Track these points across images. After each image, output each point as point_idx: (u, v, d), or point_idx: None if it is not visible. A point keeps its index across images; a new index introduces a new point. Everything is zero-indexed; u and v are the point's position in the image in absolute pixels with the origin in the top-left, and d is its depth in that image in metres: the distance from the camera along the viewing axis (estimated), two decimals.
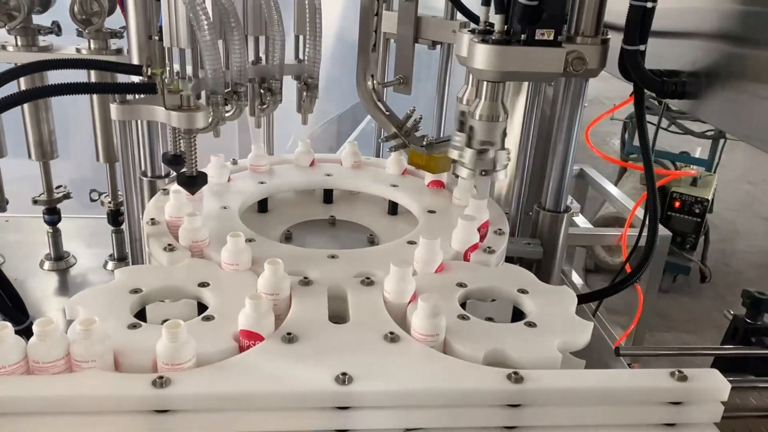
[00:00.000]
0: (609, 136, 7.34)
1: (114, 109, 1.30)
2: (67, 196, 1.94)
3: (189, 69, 1.46)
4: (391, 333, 1.09)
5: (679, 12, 1.49)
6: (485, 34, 1.39)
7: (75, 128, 2.74)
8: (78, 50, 1.69)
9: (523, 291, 1.26)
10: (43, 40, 1.73)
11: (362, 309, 1.18)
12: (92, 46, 1.68)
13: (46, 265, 1.96)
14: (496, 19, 1.33)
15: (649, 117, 5.39)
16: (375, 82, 1.81)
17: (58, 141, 1.94)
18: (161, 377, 0.95)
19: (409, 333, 1.10)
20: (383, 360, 1.04)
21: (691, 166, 5.02)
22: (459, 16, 1.82)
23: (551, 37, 1.33)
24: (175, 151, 1.40)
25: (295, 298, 1.19)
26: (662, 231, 3.07)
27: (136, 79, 1.43)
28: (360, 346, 1.07)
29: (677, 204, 4.54)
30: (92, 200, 1.96)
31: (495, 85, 1.38)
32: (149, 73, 1.30)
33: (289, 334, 1.07)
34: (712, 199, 4.72)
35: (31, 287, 1.90)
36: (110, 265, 1.96)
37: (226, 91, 1.47)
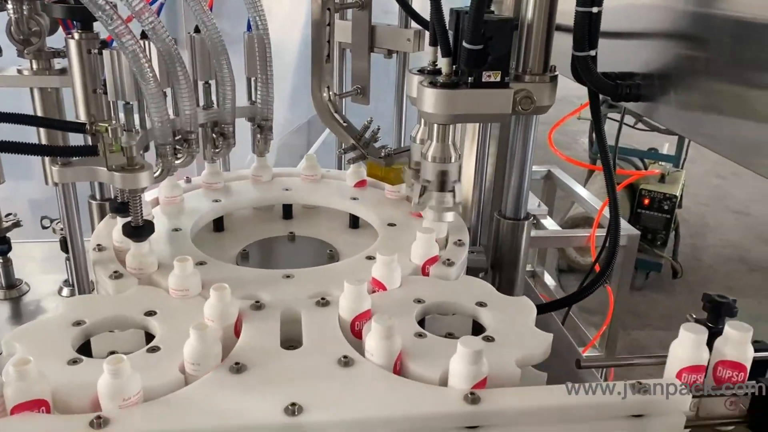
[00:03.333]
0: (578, 135, 7.39)
1: (56, 172, 1.26)
2: (17, 224, 1.87)
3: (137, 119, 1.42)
4: (345, 357, 1.05)
5: (628, 11, 1.48)
6: (434, 75, 1.37)
7: None
8: (20, 71, 1.63)
9: (481, 304, 1.23)
10: None
11: (316, 332, 1.14)
12: (35, 66, 1.62)
13: None
14: (443, 62, 1.31)
15: (614, 115, 5.45)
16: (331, 93, 1.78)
17: (20, 158, 1.86)
18: (99, 417, 0.90)
19: (364, 354, 1.07)
20: (336, 387, 1.00)
21: (659, 162, 5.05)
22: (414, 24, 1.80)
23: (498, 79, 1.32)
24: (122, 198, 1.36)
25: (245, 323, 1.15)
26: (631, 230, 3.08)
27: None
28: (312, 373, 1.03)
29: (646, 201, 4.57)
30: (44, 227, 1.90)
31: (445, 127, 1.36)
32: (93, 131, 1.25)
33: (237, 363, 1.03)
34: (681, 195, 4.76)
35: None
36: (65, 291, 1.89)
37: (176, 139, 1.43)
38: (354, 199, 1.72)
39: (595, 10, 1.29)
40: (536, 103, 1.37)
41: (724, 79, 1.21)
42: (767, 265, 5.20)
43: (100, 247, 1.38)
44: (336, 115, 1.78)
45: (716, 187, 6.74)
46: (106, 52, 1.31)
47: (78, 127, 1.29)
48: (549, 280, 3.64)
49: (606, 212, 3.03)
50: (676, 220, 4.78)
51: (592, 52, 1.36)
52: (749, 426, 1.12)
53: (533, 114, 1.44)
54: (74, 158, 1.29)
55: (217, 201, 1.68)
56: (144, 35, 1.33)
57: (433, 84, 1.32)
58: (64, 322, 1.13)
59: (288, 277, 1.32)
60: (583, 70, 1.38)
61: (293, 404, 0.94)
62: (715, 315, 1.25)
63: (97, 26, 1.42)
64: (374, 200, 1.72)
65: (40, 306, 1.90)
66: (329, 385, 1.00)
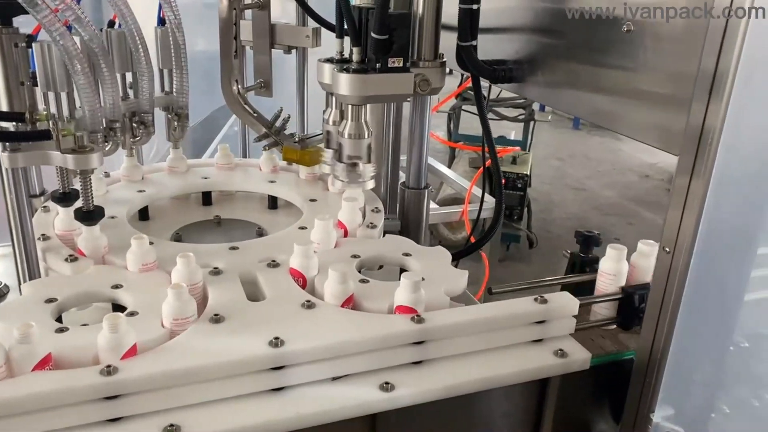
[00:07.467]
0: (435, 129, 7.92)
1: (5, 158, 1.29)
2: None
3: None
4: (308, 301, 1.24)
5: (499, 12, 1.78)
6: (343, 63, 1.58)
7: None
8: None
9: (407, 254, 1.46)
10: None
11: (275, 286, 1.31)
12: None
13: None
14: (354, 51, 1.52)
15: (469, 107, 5.92)
16: (240, 87, 1.93)
17: None
18: (108, 366, 1.02)
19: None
20: (306, 323, 1.18)
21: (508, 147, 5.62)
22: (310, 22, 1.99)
23: (401, 64, 1.56)
24: (63, 189, 1.43)
25: (209, 286, 1.29)
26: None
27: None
28: (283, 316, 1.20)
29: (502, 181, 5.08)
30: None
31: (358, 108, 1.57)
32: (33, 119, 1.32)
33: (216, 314, 1.18)
34: (530, 175, 5.33)
35: None
36: None
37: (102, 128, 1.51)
38: (272, 182, 1.88)
39: (475, 6, 1.57)
40: (432, 84, 1.63)
41: (579, 60, 1.53)
42: (604, 232, 5.95)
43: (44, 236, 1.44)
44: (246, 107, 1.93)
45: (556, 168, 7.55)
46: (36, 45, 1.35)
47: (18, 117, 1.34)
48: None
49: (474, 190, 3.44)
50: (528, 198, 5.35)
51: (474, 42, 1.64)
52: (618, 324, 1.46)
53: (429, 95, 1.69)
54: (22, 144, 1.32)
55: (142, 191, 1.78)
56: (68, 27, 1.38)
57: (346, 70, 1.53)
58: (37, 300, 1.21)
59: (234, 248, 1.47)
60: (466, 57, 1.66)
61: (276, 338, 1.11)
62: (586, 246, 1.58)
63: (16, 21, 1.46)
64: (291, 182, 1.89)
65: None
66: (300, 322, 1.19)
